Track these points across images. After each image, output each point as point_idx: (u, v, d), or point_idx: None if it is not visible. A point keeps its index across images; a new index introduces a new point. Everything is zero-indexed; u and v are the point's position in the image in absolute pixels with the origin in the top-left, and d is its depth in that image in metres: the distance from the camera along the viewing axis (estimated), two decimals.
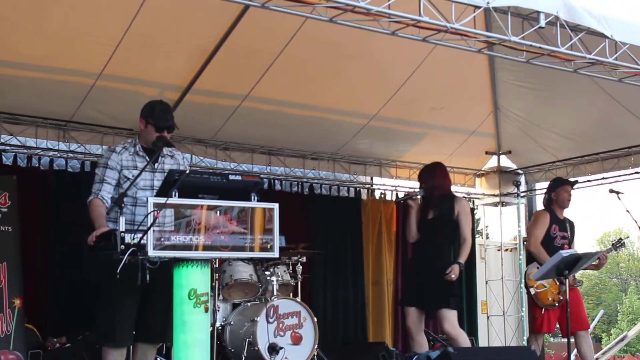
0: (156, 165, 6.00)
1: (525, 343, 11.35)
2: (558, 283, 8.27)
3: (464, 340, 7.34)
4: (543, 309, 8.38)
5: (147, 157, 6.00)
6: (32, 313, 8.56)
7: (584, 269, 8.77)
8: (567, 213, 8.74)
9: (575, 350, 8.55)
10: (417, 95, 10.28)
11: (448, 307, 7.36)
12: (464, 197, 12.55)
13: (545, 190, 8.96)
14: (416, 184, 11.92)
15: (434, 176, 7.80)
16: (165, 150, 6.04)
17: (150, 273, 5.01)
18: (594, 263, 8.47)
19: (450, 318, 7.35)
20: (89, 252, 5.59)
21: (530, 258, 8.52)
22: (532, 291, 8.37)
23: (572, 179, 9.31)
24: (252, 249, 5.39)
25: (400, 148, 11.54)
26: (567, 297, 7.74)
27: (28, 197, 9.00)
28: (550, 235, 8.44)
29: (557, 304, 8.25)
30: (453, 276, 7.36)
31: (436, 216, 7.66)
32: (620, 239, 9.04)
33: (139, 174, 5.78)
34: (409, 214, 7.84)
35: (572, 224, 8.70)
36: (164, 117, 6.03)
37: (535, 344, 8.28)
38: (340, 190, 11.69)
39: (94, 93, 8.90)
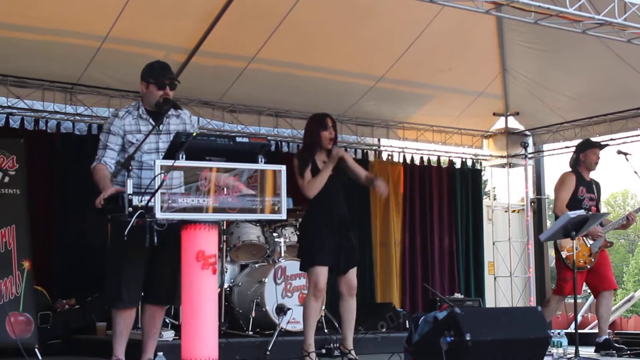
0: (161, 127, 5.95)
1: (533, 304, 11.43)
2: (588, 245, 8.26)
3: None
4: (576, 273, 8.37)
5: (151, 120, 5.95)
6: (41, 275, 8.60)
7: (615, 230, 8.79)
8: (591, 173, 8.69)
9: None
10: (424, 56, 10.24)
11: None
12: (470, 158, 12.59)
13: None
14: (423, 145, 12.02)
15: None
16: (171, 110, 6.00)
17: (158, 235, 5.03)
18: (622, 223, 8.50)
19: None
20: (97, 214, 5.60)
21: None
22: (564, 254, 8.32)
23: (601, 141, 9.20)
24: (259, 211, 5.39)
25: (407, 110, 11.51)
26: (575, 257, 7.78)
27: (36, 160, 9.01)
28: (577, 197, 8.39)
29: (588, 267, 8.23)
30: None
31: None
32: None
33: (145, 139, 5.75)
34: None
35: (598, 185, 8.64)
36: (163, 73, 5.99)
37: (556, 305, 8.31)
38: (348, 151, 11.64)
39: (101, 56, 8.89)
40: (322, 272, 6.80)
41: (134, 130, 5.94)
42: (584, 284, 8.61)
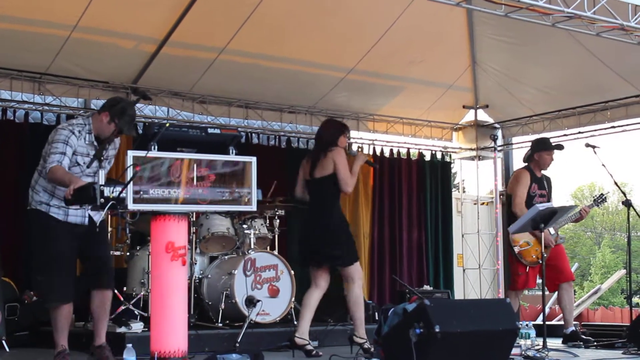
0: (104, 152, 6.04)
1: (501, 296, 11.50)
2: (541, 240, 8.32)
3: None
4: (528, 267, 8.44)
5: (97, 147, 6.10)
6: (8, 266, 8.53)
7: (571, 223, 8.88)
8: None
9: (550, 302, 8.66)
10: (394, 48, 10.25)
11: None
12: (440, 151, 12.63)
13: (522, 145, 8.98)
14: (393, 138, 12.04)
15: None
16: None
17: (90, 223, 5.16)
18: (577, 217, 8.58)
19: None
20: (66, 205, 5.62)
21: (511, 217, 8.54)
22: (516, 249, 8.41)
23: (548, 135, 9.33)
24: (230, 202, 5.41)
25: (377, 102, 11.52)
26: (543, 250, 7.85)
27: (3, 150, 8.96)
28: (529, 195, 8.48)
29: (540, 261, 8.30)
30: None
31: None
32: (602, 194, 9.07)
33: (91, 162, 6.03)
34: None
35: (549, 180, 8.74)
36: (130, 126, 6.15)
37: (514, 300, 8.36)
38: None
39: (70, 45, 8.82)
40: None
41: (84, 153, 6.14)
42: (537, 277, 8.65)
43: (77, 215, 6.10)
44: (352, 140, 12.02)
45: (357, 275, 7.46)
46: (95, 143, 6.14)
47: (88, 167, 6.02)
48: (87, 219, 6.15)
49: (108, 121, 6.08)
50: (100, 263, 6.26)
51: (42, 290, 6.25)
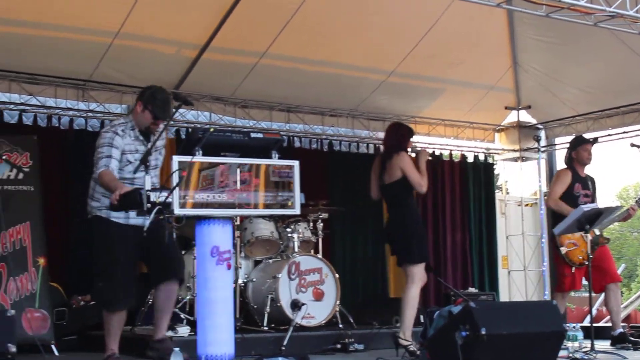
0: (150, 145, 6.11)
1: (547, 297, 11.41)
2: (587, 241, 8.24)
3: None
4: (573, 268, 8.36)
5: (144, 141, 6.16)
6: (56, 272, 8.62)
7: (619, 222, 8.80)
8: (588, 167, 8.71)
9: (597, 304, 8.58)
10: (435, 50, 10.22)
11: None
12: (482, 152, 12.56)
13: (566, 146, 8.92)
14: (435, 140, 12.00)
15: None
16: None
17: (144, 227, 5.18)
18: (624, 215, 8.50)
19: None
20: (112, 210, 5.66)
21: (556, 218, 8.46)
22: (563, 250, 8.34)
23: (592, 135, 9.28)
24: (273, 206, 5.42)
25: (418, 104, 11.49)
26: (589, 250, 7.77)
27: (49, 156, 9.00)
28: (573, 194, 8.41)
29: (586, 262, 8.22)
30: None
31: None
32: None
33: (144, 157, 5.88)
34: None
35: (593, 181, 8.67)
36: (163, 109, 6.17)
37: (560, 302, 8.29)
38: (360, 146, 11.65)
39: (112, 52, 8.91)
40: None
41: (132, 150, 6.15)
42: (582, 279, 8.57)
43: (138, 217, 6.07)
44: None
45: (418, 277, 7.46)
46: (141, 137, 6.16)
47: (136, 171, 5.98)
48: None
49: (142, 109, 6.12)
50: (165, 261, 6.21)
51: (102, 296, 6.24)
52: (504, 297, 12.23)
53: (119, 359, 6.23)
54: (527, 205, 12.86)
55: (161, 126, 6.28)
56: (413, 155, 7.67)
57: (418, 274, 7.45)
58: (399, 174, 7.43)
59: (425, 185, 7.44)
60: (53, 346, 7.73)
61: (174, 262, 6.30)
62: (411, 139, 7.71)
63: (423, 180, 7.42)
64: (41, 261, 7.99)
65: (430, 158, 8.71)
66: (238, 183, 5.22)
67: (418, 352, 6.92)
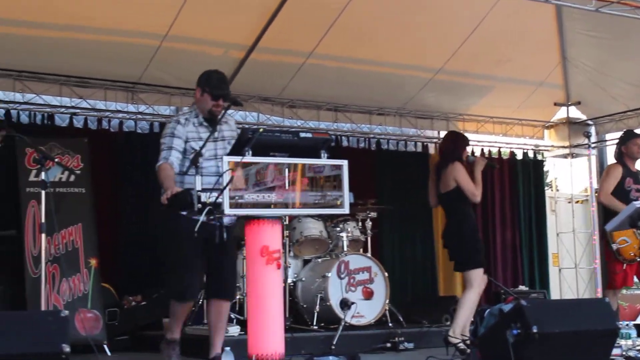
0: (216, 134, 6.11)
1: (599, 295, 11.27)
2: (639, 237, 8.16)
3: None
4: (625, 265, 8.27)
5: (209, 127, 6.12)
6: (107, 272, 8.73)
7: None
8: (639, 162, 8.60)
9: None
10: (482, 47, 10.15)
11: None
12: (531, 149, 12.46)
13: (616, 142, 8.82)
14: (484, 137, 11.93)
15: None
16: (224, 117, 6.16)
17: (226, 231, 5.14)
18: None
19: None
20: (163, 210, 5.70)
21: (607, 214, 8.38)
22: (615, 247, 8.24)
23: None
24: (322, 206, 5.43)
25: (466, 101, 11.42)
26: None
27: (99, 158, 9.12)
28: (624, 189, 8.32)
29: (638, 259, 8.14)
30: None
31: None
32: None
33: (204, 144, 5.88)
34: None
35: None
36: (219, 86, 6.15)
37: (612, 299, 8.19)
38: (408, 145, 11.61)
39: (160, 54, 8.97)
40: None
41: (196, 137, 6.11)
42: (634, 276, 8.47)
43: None
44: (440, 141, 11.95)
45: (477, 282, 7.56)
46: (205, 123, 6.14)
47: (187, 171, 5.95)
48: None
49: (201, 94, 6.14)
50: (220, 270, 6.18)
51: (173, 288, 6.26)
52: (554, 295, 12.12)
53: (178, 346, 6.29)
54: (577, 202, 12.73)
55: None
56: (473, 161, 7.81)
57: (476, 280, 7.54)
58: (452, 183, 7.56)
59: (479, 195, 7.57)
60: (105, 346, 7.82)
61: (227, 282, 6.29)
62: (466, 149, 7.85)
63: (477, 190, 7.54)
64: (93, 262, 8.11)
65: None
66: (287, 183, 5.23)
67: (468, 351, 6.89)
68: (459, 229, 7.62)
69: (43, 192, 6.01)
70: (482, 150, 12.02)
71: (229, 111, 6.31)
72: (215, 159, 5.99)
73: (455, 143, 7.83)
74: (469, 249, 7.54)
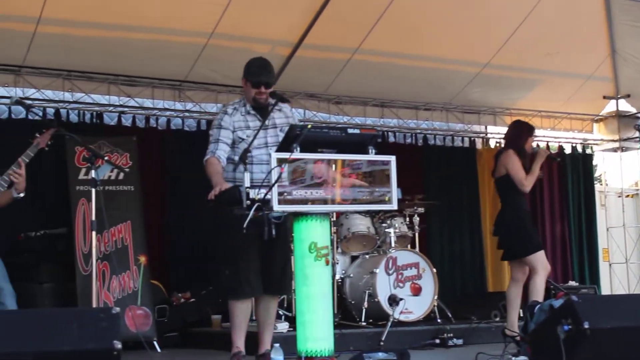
0: (267, 122, 6.08)
1: None
2: None
3: None
4: None
5: (258, 116, 6.11)
6: (157, 269, 8.80)
7: None
8: None
9: None
10: (529, 41, 10.05)
11: None
12: (580, 143, 12.33)
13: None
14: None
15: None
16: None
17: (275, 228, 5.11)
18: None
19: None
20: (212, 207, 5.70)
21: None
22: None
23: None
24: (370, 202, 5.41)
25: (514, 95, 11.33)
26: None
27: (148, 156, 9.18)
28: None
29: None
30: None
31: None
32: None
33: (256, 134, 5.84)
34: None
35: None
36: (257, 72, 6.13)
37: None
38: (455, 140, 11.55)
39: (207, 52, 9.02)
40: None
41: (243, 126, 6.09)
42: None
43: None
44: (490, 135, 11.87)
45: (541, 266, 7.62)
46: (253, 112, 6.12)
47: (235, 169, 5.97)
48: None
49: (245, 83, 6.15)
50: (269, 265, 6.06)
51: (227, 284, 6.16)
52: (605, 290, 11.99)
53: (244, 358, 6.11)
54: (627, 196, 12.58)
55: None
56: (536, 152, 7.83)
57: (540, 263, 7.61)
58: (503, 170, 7.59)
59: (528, 185, 7.55)
60: (155, 343, 7.88)
61: (275, 278, 6.14)
62: (530, 138, 7.82)
63: (527, 181, 7.53)
64: (142, 259, 8.17)
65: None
66: (335, 179, 5.21)
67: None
68: (509, 216, 7.66)
69: (93, 190, 6.04)
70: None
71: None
72: (266, 147, 5.99)
73: (517, 131, 7.87)
74: (523, 234, 7.58)
